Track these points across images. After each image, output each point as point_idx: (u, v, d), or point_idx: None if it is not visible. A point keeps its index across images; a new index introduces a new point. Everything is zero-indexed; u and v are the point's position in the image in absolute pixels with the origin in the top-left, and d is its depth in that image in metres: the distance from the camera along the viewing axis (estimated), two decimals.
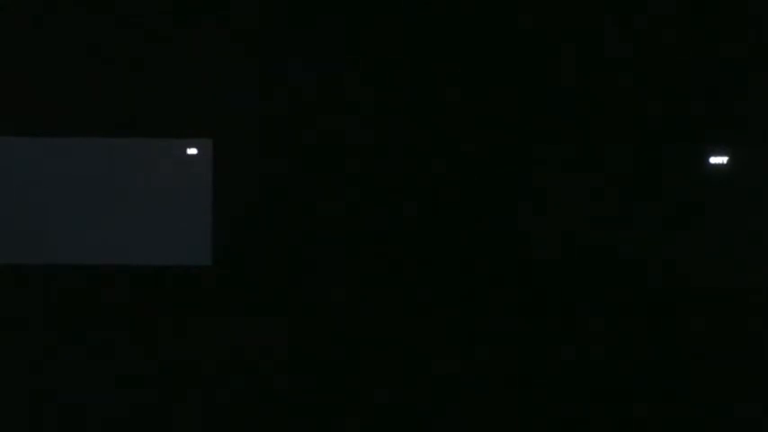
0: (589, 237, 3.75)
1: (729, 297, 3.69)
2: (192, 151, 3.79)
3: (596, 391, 3.40)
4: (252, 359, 3.48)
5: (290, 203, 3.81)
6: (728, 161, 3.67)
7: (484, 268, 3.77)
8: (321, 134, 3.80)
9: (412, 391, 3.38)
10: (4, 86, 3.76)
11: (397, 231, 3.79)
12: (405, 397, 3.37)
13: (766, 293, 3.65)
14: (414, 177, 3.79)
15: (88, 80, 3.76)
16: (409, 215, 3.79)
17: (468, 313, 3.78)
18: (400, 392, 3.37)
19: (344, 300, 3.82)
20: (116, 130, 3.77)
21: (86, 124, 3.78)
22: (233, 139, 3.79)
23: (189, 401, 3.37)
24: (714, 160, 3.69)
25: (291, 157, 3.80)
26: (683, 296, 3.71)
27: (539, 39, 3.74)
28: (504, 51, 3.75)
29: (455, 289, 3.79)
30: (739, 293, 3.69)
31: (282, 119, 3.80)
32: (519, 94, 3.74)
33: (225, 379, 3.40)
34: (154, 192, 3.80)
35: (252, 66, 3.78)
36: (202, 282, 3.80)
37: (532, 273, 3.78)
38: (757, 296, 3.66)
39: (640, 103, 3.72)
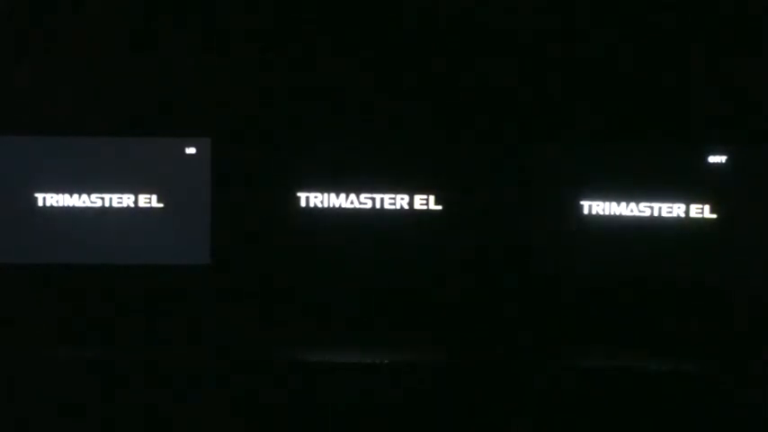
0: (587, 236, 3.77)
1: (729, 298, 3.70)
2: (192, 151, 3.79)
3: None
4: (251, 359, 3.48)
5: (288, 202, 3.81)
6: (727, 160, 3.67)
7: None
8: (322, 133, 3.81)
9: (414, 393, 3.39)
10: (3, 86, 3.76)
11: (398, 231, 3.80)
12: (406, 398, 3.38)
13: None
14: (416, 178, 3.79)
15: (86, 79, 3.76)
16: (412, 215, 3.80)
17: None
18: (400, 393, 3.38)
19: (344, 299, 3.83)
20: (115, 129, 3.77)
21: (84, 123, 3.78)
22: (232, 138, 3.79)
23: (188, 401, 3.38)
24: (713, 159, 3.68)
25: (290, 156, 3.80)
26: (685, 295, 3.72)
27: (536, 36, 3.73)
28: (498, 54, 3.75)
29: (458, 294, 3.81)
30: (739, 294, 3.70)
31: (283, 118, 3.80)
32: (517, 93, 3.74)
33: (225, 379, 3.41)
34: (152, 190, 3.80)
35: (251, 65, 3.78)
36: (201, 280, 3.81)
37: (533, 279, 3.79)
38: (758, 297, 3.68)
39: (639, 101, 3.71)
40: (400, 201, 3.80)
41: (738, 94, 3.65)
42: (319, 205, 3.82)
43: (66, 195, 3.79)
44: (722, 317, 3.68)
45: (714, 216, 3.69)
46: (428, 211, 3.80)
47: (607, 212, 3.75)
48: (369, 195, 3.81)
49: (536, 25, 3.71)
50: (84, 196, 3.79)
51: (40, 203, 3.78)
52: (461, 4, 3.72)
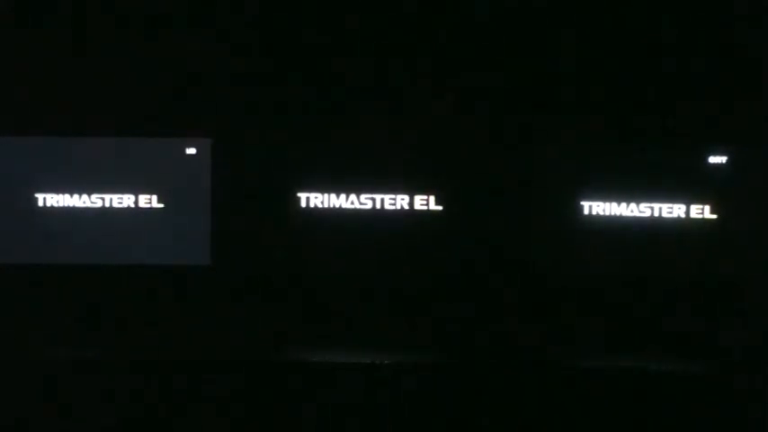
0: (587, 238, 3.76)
1: (729, 299, 3.70)
2: (192, 151, 3.79)
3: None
4: (251, 359, 3.48)
5: (288, 203, 3.81)
6: (727, 161, 3.67)
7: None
8: (322, 133, 3.81)
9: (414, 393, 3.40)
10: (4, 86, 3.76)
11: (398, 231, 3.79)
12: (406, 399, 3.38)
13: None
14: (416, 178, 3.79)
15: (86, 80, 3.76)
16: (412, 215, 3.80)
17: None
18: (399, 392, 3.38)
19: (344, 299, 3.82)
20: (115, 130, 3.77)
21: (84, 124, 3.78)
22: (232, 139, 3.79)
23: (187, 401, 3.38)
24: (713, 160, 3.68)
25: (290, 156, 3.80)
26: (685, 296, 3.72)
27: (537, 37, 3.73)
28: (499, 54, 3.75)
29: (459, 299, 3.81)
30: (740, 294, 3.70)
31: (283, 118, 3.80)
32: (518, 93, 3.74)
33: (225, 379, 3.41)
34: (153, 190, 3.80)
35: (251, 65, 3.78)
36: (201, 281, 3.81)
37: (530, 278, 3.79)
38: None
39: (640, 101, 3.71)
40: (400, 201, 3.80)
41: (739, 94, 3.65)
42: (319, 206, 3.82)
43: (67, 196, 3.79)
44: (722, 317, 3.67)
45: (714, 216, 3.68)
46: (428, 212, 3.79)
47: (607, 213, 3.75)
48: (369, 196, 3.81)
49: (537, 26, 3.71)
50: (85, 196, 3.79)
51: (41, 204, 3.78)
52: (462, 5, 3.72)
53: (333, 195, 3.81)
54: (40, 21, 3.74)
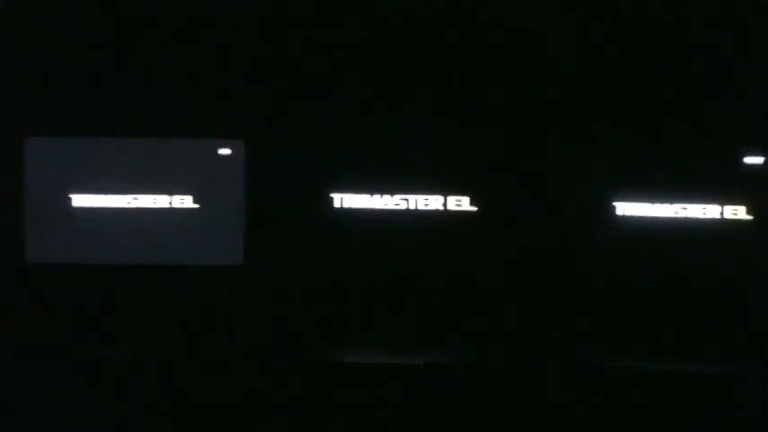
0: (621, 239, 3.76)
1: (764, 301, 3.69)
2: (226, 152, 3.80)
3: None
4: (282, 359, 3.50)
5: (322, 203, 3.81)
6: (765, 161, 3.66)
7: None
8: (355, 134, 3.82)
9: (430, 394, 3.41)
10: (41, 89, 3.77)
11: (432, 232, 3.80)
12: (426, 400, 3.40)
13: None
14: (450, 179, 3.79)
15: (119, 82, 3.77)
16: (446, 216, 3.80)
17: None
18: (431, 392, 3.39)
19: (376, 299, 3.83)
20: (150, 131, 3.79)
21: (119, 126, 3.79)
22: (266, 140, 3.79)
23: (218, 399, 3.40)
24: (749, 160, 3.67)
25: (324, 157, 3.81)
26: (722, 298, 3.71)
27: (566, 37, 3.73)
28: (533, 55, 3.75)
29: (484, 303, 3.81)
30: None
31: (316, 119, 3.80)
32: (555, 94, 3.74)
33: (254, 377, 3.43)
34: (188, 191, 3.81)
35: (285, 67, 3.79)
36: (234, 280, 3.81)
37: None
38: None
39: (676, 101, 3.70)
40: (434, 201, 3.80)
41: None
42: (353, 206, 3.82)
43: (102, 196, 3.80)
44: (758, 319, 3.66)
45: (750, 218, 3.67)
46: (462, 212, 3.79)
47: (641, 214, 3.74)
48: (403, 196, 3.81)
49: (570, 25, 3.71)
50: (120, 197, 3.80)
51: (76, 204, 3.79)
52: (489, 7, 3.72)
53: (366, 196, 3.81)
54: (59, 23, 3.74)
